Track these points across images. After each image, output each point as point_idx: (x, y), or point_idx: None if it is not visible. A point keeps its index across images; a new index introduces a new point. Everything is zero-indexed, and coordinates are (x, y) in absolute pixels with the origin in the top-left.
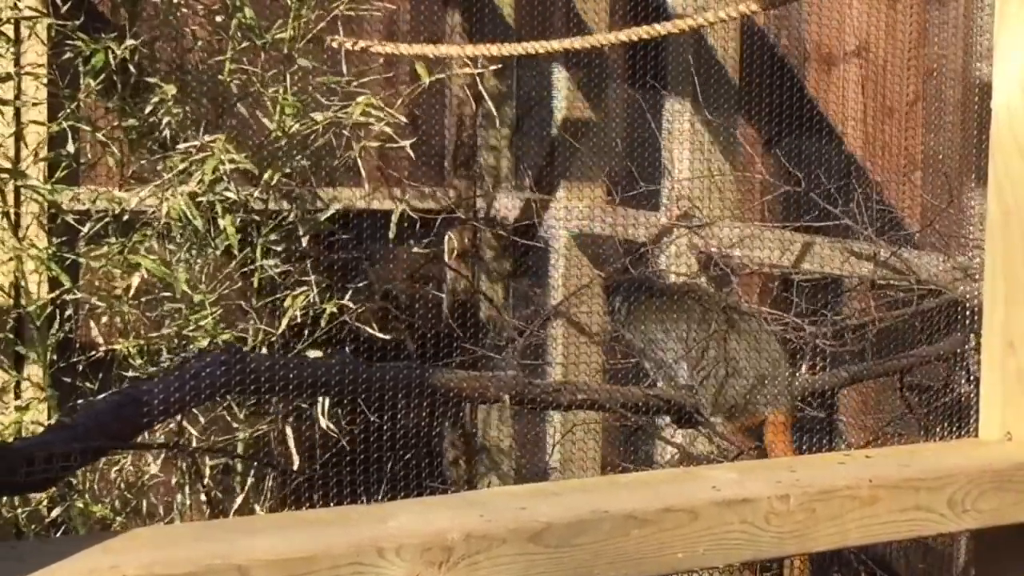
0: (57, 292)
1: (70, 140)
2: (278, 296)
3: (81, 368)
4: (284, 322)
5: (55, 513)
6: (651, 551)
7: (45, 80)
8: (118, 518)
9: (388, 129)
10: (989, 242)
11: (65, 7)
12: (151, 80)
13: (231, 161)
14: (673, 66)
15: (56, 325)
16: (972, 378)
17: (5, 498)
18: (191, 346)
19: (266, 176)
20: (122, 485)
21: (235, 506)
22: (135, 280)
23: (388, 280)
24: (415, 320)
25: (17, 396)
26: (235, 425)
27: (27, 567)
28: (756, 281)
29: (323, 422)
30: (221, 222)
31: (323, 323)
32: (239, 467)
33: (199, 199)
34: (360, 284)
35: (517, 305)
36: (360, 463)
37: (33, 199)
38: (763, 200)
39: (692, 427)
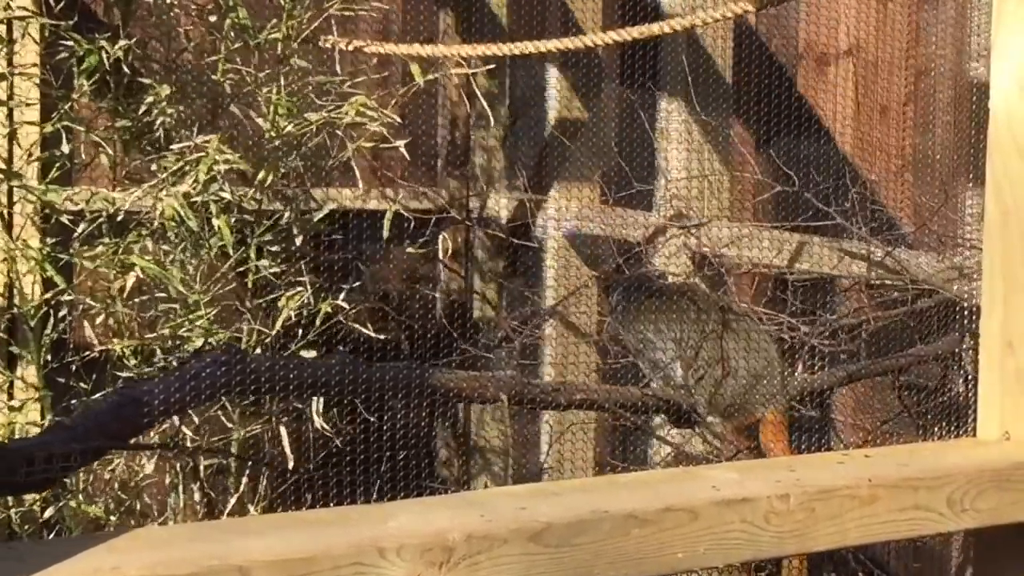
0: (51, 293)
1: (64, 140)
2: (273, 296)
3: (75, 369)
4: (279, 322)
5: (48, 513)
6: (651, 551)
7: (38, 80)
8: (112, 518)
9: (382, 129)
10: (987, 242)
11: (58, 7)
12: (145, 80)
13: (225, 161)
14: (667, 66)
15: (50, 326)
16: (967, 378)
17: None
18: (185, 347)
19: (260, 176)
20: (116, 485)
21: (229, 506)
22: (129, 280)
23: (382, 280)
24: (409, 320)
25: (10, 397)
26: (230, 425)
27: (27, 567)
28: (748, 280)
29: (318, 422)
30: (215, 222)
31: (318, 323)
32: (233, 467)
33: (193, 199)
34: (355, 285)
35: (510, 305)
36: (355, 463)
37: (27, 199)
38: (757, 200)
39: (689, 427)
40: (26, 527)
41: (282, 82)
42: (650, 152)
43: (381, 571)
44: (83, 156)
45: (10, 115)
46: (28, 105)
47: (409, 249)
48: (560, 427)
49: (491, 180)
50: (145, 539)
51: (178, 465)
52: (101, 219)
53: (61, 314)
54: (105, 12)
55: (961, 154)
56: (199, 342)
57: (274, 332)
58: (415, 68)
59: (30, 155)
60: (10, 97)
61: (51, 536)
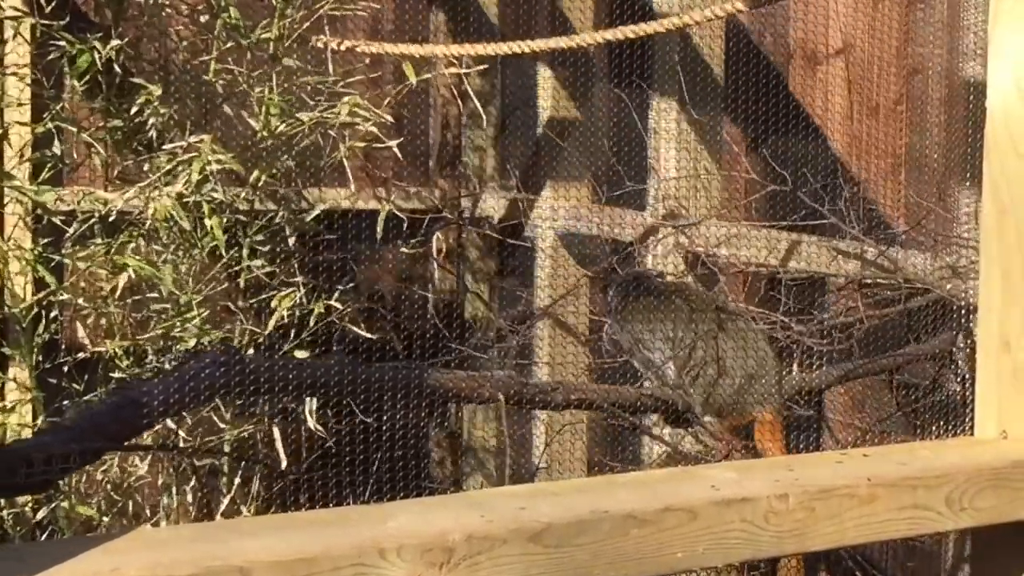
0: (43, 293)
1: (55, 141)
2: (265, 296)
3: (67, 369)
4: (271, 323)
5: (41, 515)
6: (651, 551)
7: (30, 80)
8: (104, 519)
9: (374, 129)
10: (984, 241)
11: (49, 7)
12: (137, 80)
13: (217, 161)
14: (659, 65)
15: (42, 326)
16: (961, 377)
17: None
18: (178, 347)
19: (253, 176)
20: (108, 486)
21: (222, 507)
22: (121, 281)
23: (375, 280)
24: (401, 320)
25: (2, 398)
26: (222, 425)
27: (27, 568)
28: (741, 279)
29: (311, 422)
30: (207, 223)
31: (310, 323)
32: (226, 468)
33: (185, 200)
34: (349, 286)
35: (503, 305)
36: (348, 463)
37: (18, 200)
38: (749, 199)
39: (684, 426)
40: (19, 528)
41: (274, 82)
42: (642, 151)
43: (382, 571)
44: (75, 156)
45: (1, 115)
46: (19, 105)
47: (403, 249)
48: (553, 427)
49: (483, 179)
50: (145, 540)
51: (171, 466)
52: (93, 219)
53: (53, 315)
54: (96, 12)
55: (954, 153)
56: (191, 342)
57: (267, 332)
58: (408, 67)
59: (22, 155)
60: (1, 97)
61: (44, 537)
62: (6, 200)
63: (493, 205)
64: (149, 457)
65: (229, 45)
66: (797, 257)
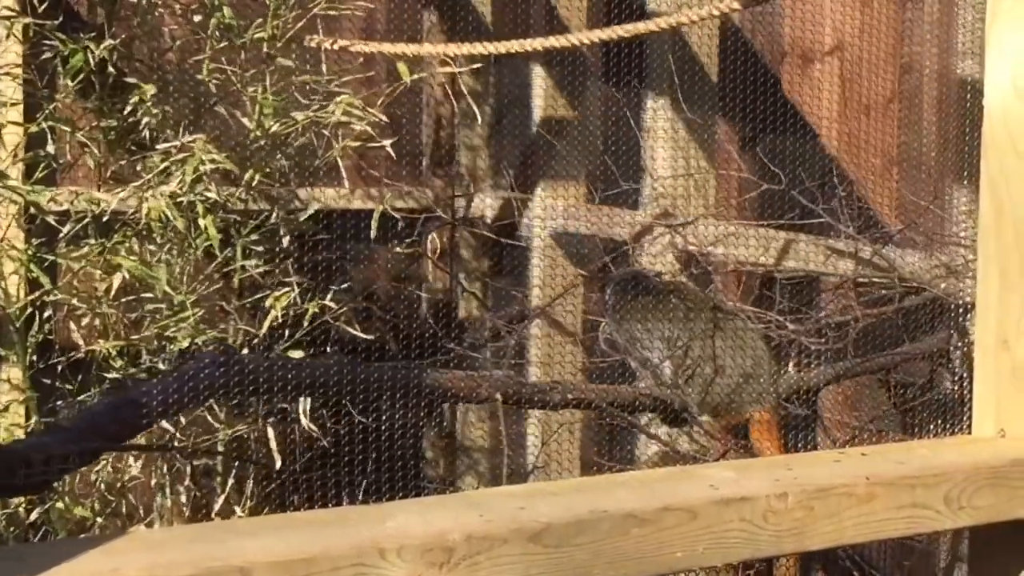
0: (37, 293)
1: (49, 140)
2: (259, 296)
3: (61, 369)
4: (266, 323)
5: (34, 515)
6: (650, 550)
7: (22, 80)
8: (98, 520)
9: (368, 129)
10: (982, 240)
11: (42, 7)
12: (130, 80)
13: (211, 161)
14: (652, 64)
15: (35, 326)
16: (957, 375)
17: None
18: (172, 347)
19: (247, 176)
20: (102, 487)
21: (216, 507)
22: (115, 281)
23: (369, 280)
24: (396, 320)
25: None
26: (216, 425)
27: (27, 568)
28: (735, 279)
29: (304, 422)
30: (201, 222)
31: (305, 323)
32: (220, 468)
33: (179, 199)
34: (343, 286)
35: (496, 304)
36: (342, 463)
37: (12, 200)
38: (743, 198)
39: (681, 426)
40: (12, 529)
41: (268, 81)
42: (636, 150)
43: (382, 572)
44: (68, 156)
45: None
46: (12, 105)
47: (397, 249)
48: (547, 426)
49: (477, 179)
50: (144, 540)
51: (164, 466)
52: (87, 219)
53: (46, 315)
54: (89, 12)
55: (948, 151)
56: (185, 343)
57: (262, 332)
58: (402, 67)
59: (15, 155)
60: None
61: (37, 538)
62: (0, 200)
63: (487, 204)
64: (143, 457)
65: (222, 45)
66: (791, 256)
